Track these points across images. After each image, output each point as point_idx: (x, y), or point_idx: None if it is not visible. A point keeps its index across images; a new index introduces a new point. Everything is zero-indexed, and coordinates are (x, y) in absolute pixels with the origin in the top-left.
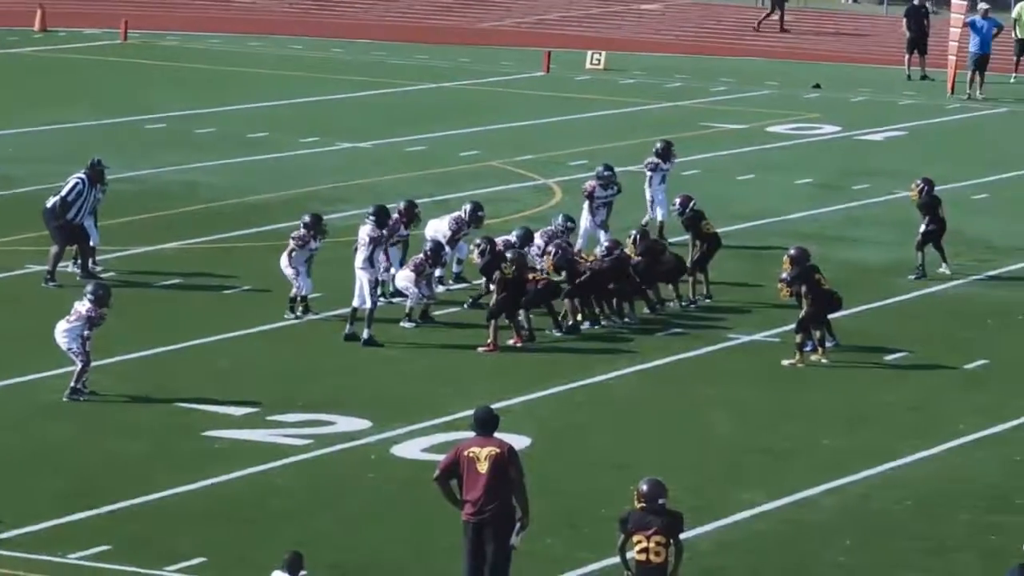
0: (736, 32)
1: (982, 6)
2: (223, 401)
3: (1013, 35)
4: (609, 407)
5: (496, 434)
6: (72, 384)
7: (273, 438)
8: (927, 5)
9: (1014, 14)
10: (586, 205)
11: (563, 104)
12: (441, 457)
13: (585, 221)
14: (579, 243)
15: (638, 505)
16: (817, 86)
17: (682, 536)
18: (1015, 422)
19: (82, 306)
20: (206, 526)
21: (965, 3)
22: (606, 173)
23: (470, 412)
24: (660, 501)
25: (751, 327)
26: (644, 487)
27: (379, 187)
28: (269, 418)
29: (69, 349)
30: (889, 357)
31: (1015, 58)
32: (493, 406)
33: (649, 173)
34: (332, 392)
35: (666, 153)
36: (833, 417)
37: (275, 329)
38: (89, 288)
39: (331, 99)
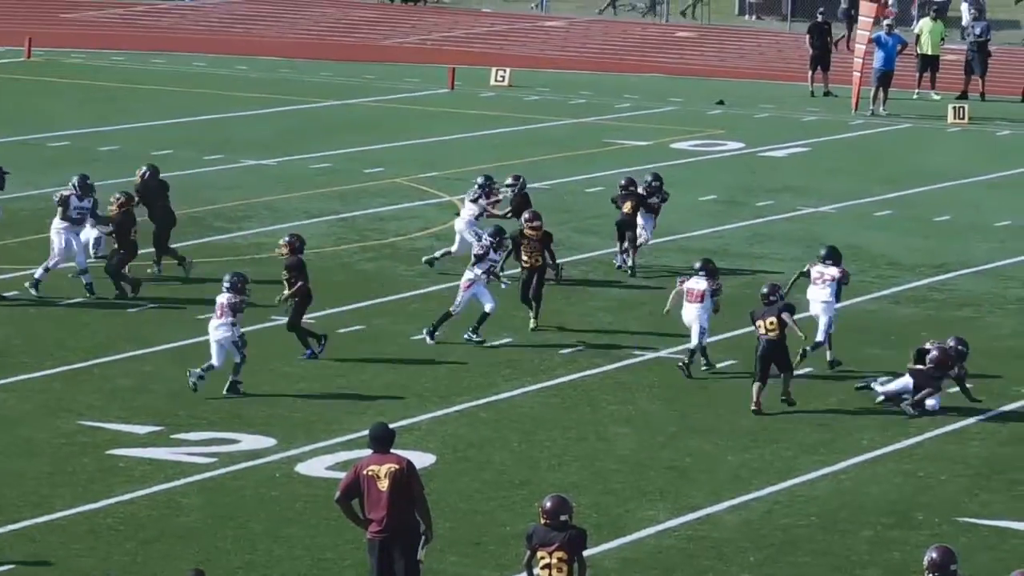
0: (640, 49)
1: (886, 22)
2: (127, 419)
3: (916, 51)
4: (514, 423)
5: (395, 450)
6: (232, 378)
7: (177, 456)
8: (834, 21)
9: (916, 30)
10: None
11: (468, 121)
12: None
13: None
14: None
15: (542, 521)
16: (721, 103)
17: (586, 553)
18: (918, 438)
19: (223, 298)
20: (110, 545)
21: (871, 19)
22: (655, 183)
23: None
24: (563, 517)
25: (655, 344)
26: (547, 503)
27: (284, 205)
28: (173, 436)
29: (234, 343)
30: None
31: (918, 74)
32: (398, 423)
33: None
34: (236, 410)
35: (657, 189)
36: (737, 433)
37: (180, 347)
38: (226, 278)
39: (235, 116)
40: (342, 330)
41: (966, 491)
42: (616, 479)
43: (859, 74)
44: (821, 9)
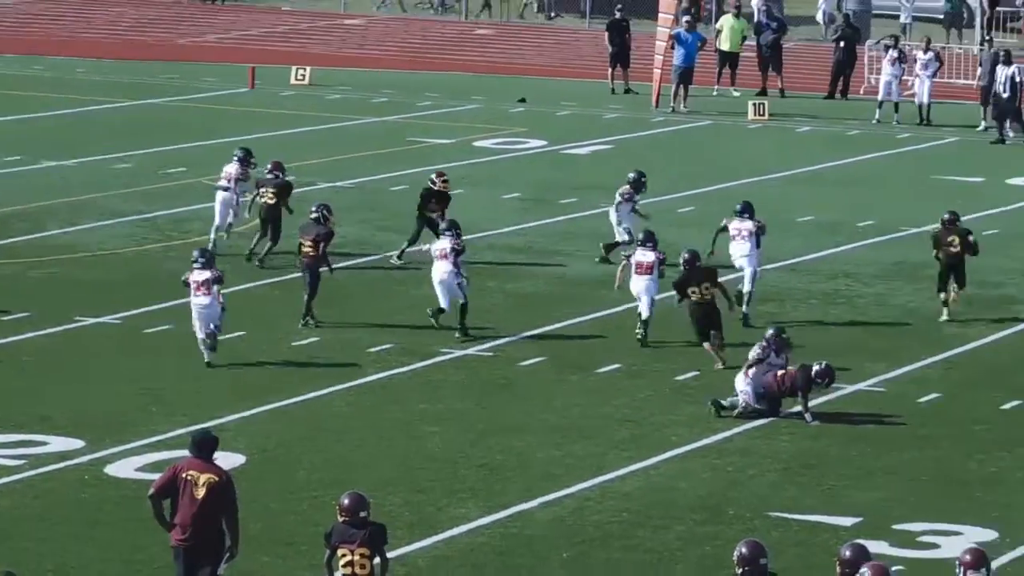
0: (440, 47)
1: (685, 18)
2: None
3: (716, 48)
4: (326, 423)
5: (216, 457)
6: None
7: None
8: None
9: (717, 26)
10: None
11: (269, 120)
12: (156, 476)
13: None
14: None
15: (340, 518)
16: (523, 100)
17: (399, 551)
18: (726, 433)
19: (201, 275)
20: None
21: (671, 16)
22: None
23: (184, 430)
24: (362, 514)
25: (463, 342)
26: (345, 501)
27: (85, 205)
28: None
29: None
30: (601, 369)
31: (717, 70)
32: (209, 423)
33: (619, 199)
34: (44, 412)
35: (638, 185)
36: (548, 430)
37: None
38: (195, 254)
39: (33, 117)
40: (148, 330)
41: (776, 486)
42: (427, 477)
43: (659, 71)
44: (619, 6)
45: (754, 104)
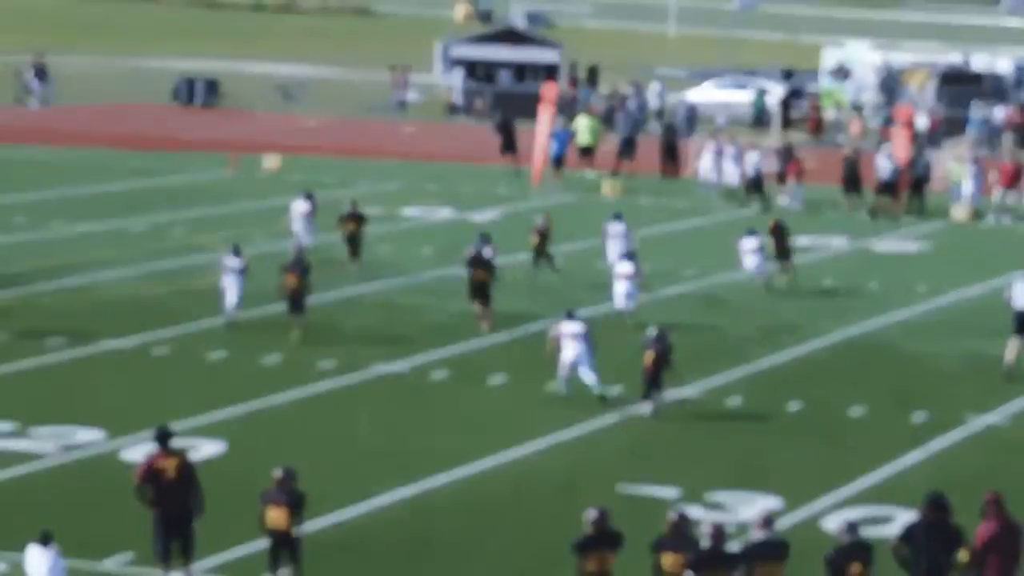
0: (375, 140)
1: (560, 119)
2: None
3: (575, 143)
4: (286, 422)
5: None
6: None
7: None
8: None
9: (574, 126)
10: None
11: (247, 196)
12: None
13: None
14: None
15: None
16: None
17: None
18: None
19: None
20: None
21: (549, 116)
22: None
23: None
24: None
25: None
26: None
27: (111, 260)
28: None
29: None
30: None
31: (579, 158)
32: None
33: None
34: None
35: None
36: (452, 429)
37: None
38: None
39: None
40: (155, 353)
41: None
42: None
43: (541, 156)
44: (498, 111)
45: (610, 184)
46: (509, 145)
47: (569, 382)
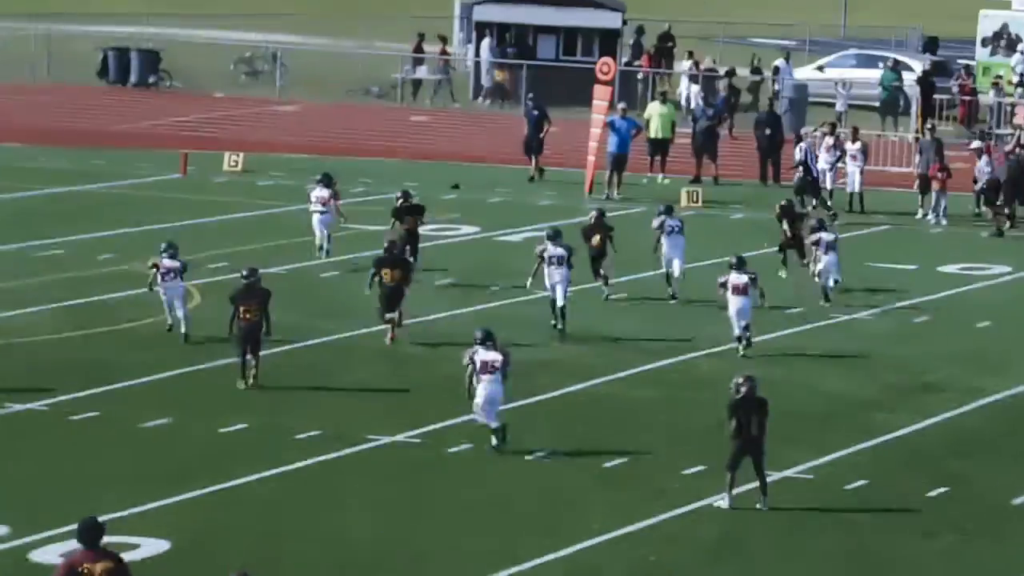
0: (371, 133)
1: (621, 105)
2: None
3: (647, 137)
4: (250, 508)
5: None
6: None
7: None
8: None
9: (646, 115)
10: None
11: (200, 207)
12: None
13: None
14: None
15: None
16: (456, 187)
17: None
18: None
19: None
20: None
21: (605, 103)
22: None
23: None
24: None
25: (392, 430)
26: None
27: (12, 291)
28: None
29: None
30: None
31: (649, 158)
32: (133, 510)
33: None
34: None
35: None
36: (476, 514)
37: None
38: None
39: None
40: (74, 417)
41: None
42: (352, 564)
43: (593, 158)
44: (531, 95)
45: (687, 191)
46: (534, 140)
47: None
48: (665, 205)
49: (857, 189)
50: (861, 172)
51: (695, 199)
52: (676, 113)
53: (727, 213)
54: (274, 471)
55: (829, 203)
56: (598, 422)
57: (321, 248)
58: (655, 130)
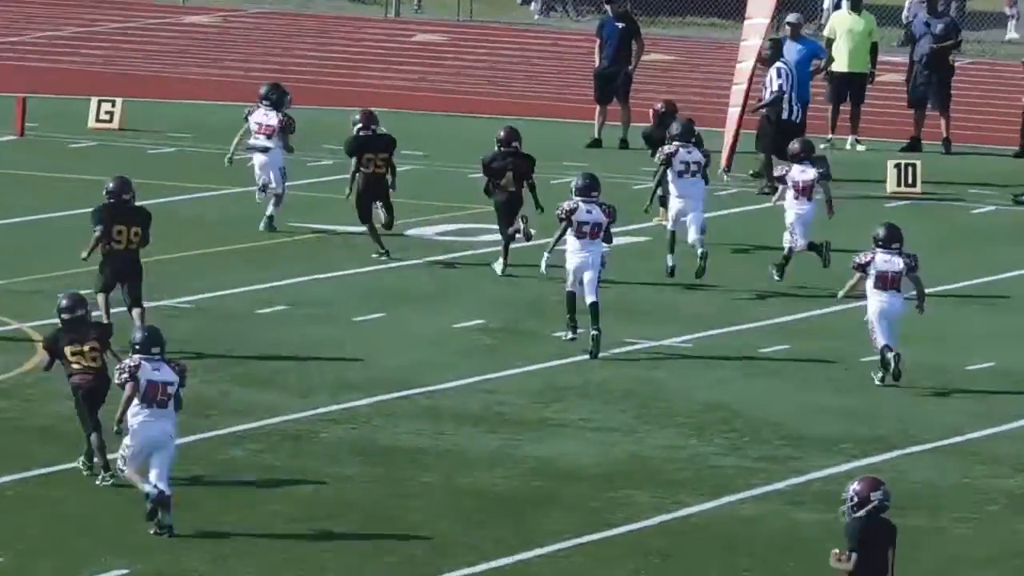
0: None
1: (791, 19)
2: None
3: (825, 71)
4: None
5: None
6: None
7: None
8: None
9: (826, 31)
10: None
11: (46, 191)
12: None
13: None
14: None
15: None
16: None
17: None
18: None
19: None
20: None
21: (766, 19)
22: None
23: None
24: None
25: None
26: None
27: None
28: None
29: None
30: None
31: (830, 108)
32: None
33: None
34: None
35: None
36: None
37: None
38: None
39: None
40: None
41: None
42: None
43: (739, 109)
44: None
45: (897, 166)
46: (616, 76)
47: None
48: (682, 124)
49: None
50: None
51: (910, 179)
52: (878, 30)
53: (968, 204)
54: None
55: None
56: None
57: (264, 190)
58: (842, 60)
